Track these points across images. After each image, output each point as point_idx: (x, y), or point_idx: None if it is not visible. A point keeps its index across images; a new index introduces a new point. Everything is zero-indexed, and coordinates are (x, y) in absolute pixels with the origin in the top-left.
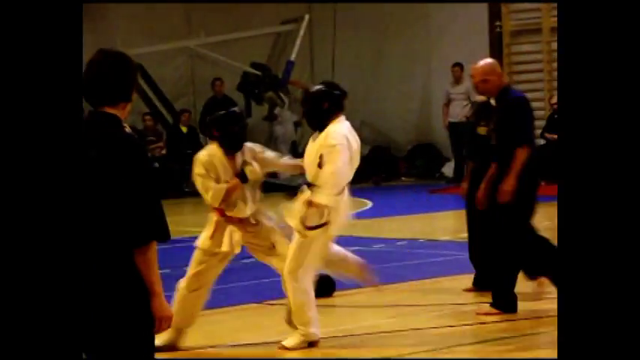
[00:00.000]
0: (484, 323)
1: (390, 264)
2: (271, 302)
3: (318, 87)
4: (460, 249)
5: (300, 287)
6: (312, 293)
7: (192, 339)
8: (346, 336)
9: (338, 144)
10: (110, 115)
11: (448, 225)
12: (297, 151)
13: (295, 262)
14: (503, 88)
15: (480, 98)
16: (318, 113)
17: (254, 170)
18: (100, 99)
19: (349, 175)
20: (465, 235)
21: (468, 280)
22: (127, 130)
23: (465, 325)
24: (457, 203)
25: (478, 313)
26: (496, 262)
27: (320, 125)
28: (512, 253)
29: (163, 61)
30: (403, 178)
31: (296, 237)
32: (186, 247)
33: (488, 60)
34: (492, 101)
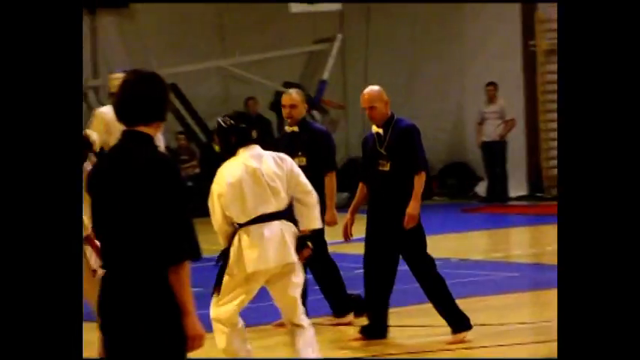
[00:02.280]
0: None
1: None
2: None
3: (225, 119)
4: (493, 268)
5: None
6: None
7: None
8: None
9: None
10: (144, 134)
11: (481, 244)
12: None
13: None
14: (390, 117)
15: (289, 129)
16: (227, 147)
17: None
18: (135, 119)
19: (216, 218)
20: (498, 254)
21: (499, 300)
22: (160, 149)
23: (501, 345)
24: (490, 222)
25: (449, 343)
26: (431, 290)
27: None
28: (436, 275)
29: (197, 81)
30: (435, 197)
31: None
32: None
33: (375, 87)
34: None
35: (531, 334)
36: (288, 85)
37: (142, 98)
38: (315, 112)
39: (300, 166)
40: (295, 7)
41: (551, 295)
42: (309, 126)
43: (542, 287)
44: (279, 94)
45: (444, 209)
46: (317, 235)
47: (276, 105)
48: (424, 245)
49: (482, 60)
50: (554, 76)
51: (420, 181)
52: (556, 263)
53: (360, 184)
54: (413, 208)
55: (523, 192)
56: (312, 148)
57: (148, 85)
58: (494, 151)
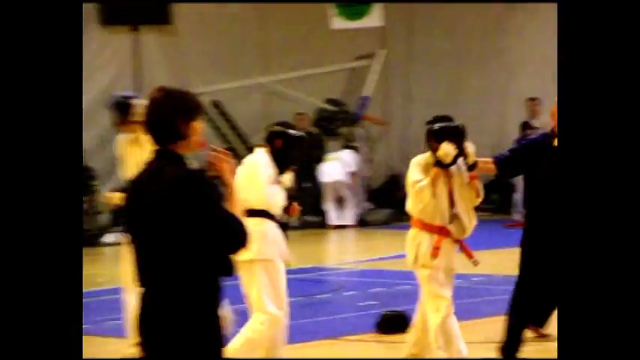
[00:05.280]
0: None
1: (465, 300)
2: None
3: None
4: None
5: None
6: None
7: None
8: None
9: None
10: (172, 152)
11: None
12: (370, 187)
13: None
14: None
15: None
16: None
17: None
18: (159, 140)
19: None
20: None
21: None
22: (193, 166)
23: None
24: None
25: None
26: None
27: None
28: None
29: (239, 98)
30: (479, 213)
31: None
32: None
33: None
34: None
35: None
36: (330, 101)
37: (159, 121)
38: (356, 128)
39: None
40: (337, 24)
41: None
42: None
43: None
44: (321, 111)
45: (487, 225)
46: None
47: (318, 121)
48: None
49: (525, 75)
50: None
51: None
52: None
53: None
54: None
55: None
56: None
57: (167, 106)
58: None
